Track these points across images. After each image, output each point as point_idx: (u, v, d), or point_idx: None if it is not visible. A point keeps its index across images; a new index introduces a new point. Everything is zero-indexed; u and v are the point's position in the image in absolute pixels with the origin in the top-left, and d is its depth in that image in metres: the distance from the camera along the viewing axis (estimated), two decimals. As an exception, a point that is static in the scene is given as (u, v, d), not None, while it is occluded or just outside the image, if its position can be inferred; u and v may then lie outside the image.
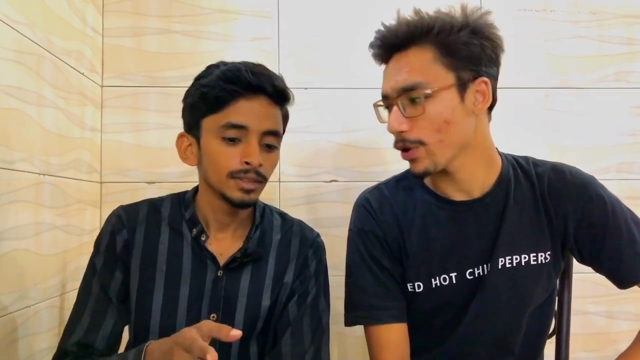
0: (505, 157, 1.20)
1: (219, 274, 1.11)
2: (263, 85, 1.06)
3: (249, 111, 1.06)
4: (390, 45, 1.10)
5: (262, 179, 1.09)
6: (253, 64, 1.10)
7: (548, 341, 1.40)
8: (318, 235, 1.23)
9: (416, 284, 1.17)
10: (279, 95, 1.10)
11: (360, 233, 1.20)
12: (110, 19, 1.73)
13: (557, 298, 1.40)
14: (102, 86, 1.72)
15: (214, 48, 1.74)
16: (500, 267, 1.13)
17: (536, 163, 1.19)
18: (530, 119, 1.81)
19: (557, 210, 1.14)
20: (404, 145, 1.08)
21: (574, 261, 1.31)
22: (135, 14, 1.74)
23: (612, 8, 1.85)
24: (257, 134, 1.07)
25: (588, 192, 1.13)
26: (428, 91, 1.05)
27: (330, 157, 1.76)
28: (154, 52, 1.73)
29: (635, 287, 1.14)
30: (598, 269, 1.16)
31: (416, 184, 1.22)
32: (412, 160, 1.10)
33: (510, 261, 1.13)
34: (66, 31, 1.49)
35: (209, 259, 1.11)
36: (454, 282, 1.15)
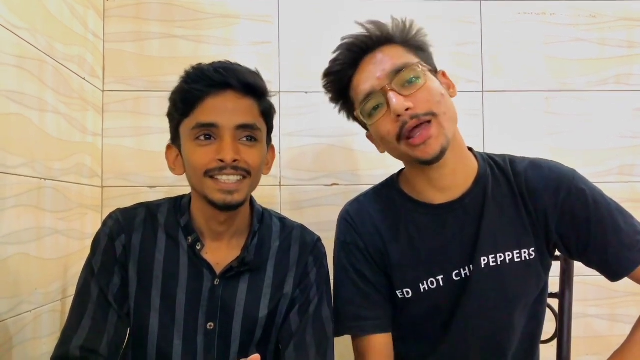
0: (481, 157, 1.20)
1: (215, 282, 1.10)
2: (227, 81, 1.05)
3: (217, 108, 1.05)
4: (361, 49, 1.12)
5: (244, 173, 1.06)
6: (220, 62, 1.09)
7: (549, 345, 1.40)
8: (319, 239, 1.22)
9: (405, 290, 1.17)
10: (247, 87, 1.07)
11: (342, 246, 1.21)
12: (111, 24, 1.74)
13: (558, 301, 1.41)
14: (103, 91, 1.72)
15: (215, 52, 1.75)
16: (483, 266, 1.13)
17: (514, 160, 1.19)
18: (531, 123, 1.81)
19: (536, 206, 1.14)
20: (418, 120, 1.05)
21: (576, 264, 1.31)
22: (137, 19, 1.74)
23: (612, 11, 1.85)
24: (230, 130, 1.05)
25: (567, 186, 1.12)
26: (418, 68, 1.08)
27: (331, 161, 1.76)
28: (155, 57, 1.74)
29: (637, 290, 1.13)
30: (588, 263, 1.16)
31: (394, 192, 1.23)
32: (426, 142, 1.06)
33: (494, 260, 1.13)
34: (67, 36, 1.50)
35: (205, 267, 1.11)
36: (441, 284, 1.15)
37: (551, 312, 1.40)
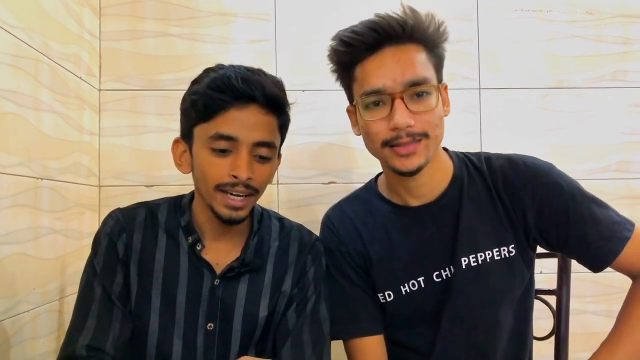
0: (456, 156, 1.21)
1: (215, 282, 1.10)
2: (254, 94, 1.02)
3: (239, 121, 1.02)
4: (387, 34, 1.06)
5: (252, 192, 1.06)
6: (247, 69, 1.07)
7: (547, 342, 1.40)
8: (317, 239, 1.22)
9: (386, 293, 1.19)
10: (272, 103, 1.05)
11: (326, 251, 1.22)
12: (107, 22, 1.73)
13: (555, 298, 1.41)
14: (99, 90, 1.72)
15: (212, 51, 1.74)
16: (464, 267, 1.13)
17: (489, 158, 1.20)
18: (528, 119, 1.81)
19: (513, 202, 1.14)
20: (412, 139, 1.06)
21: (573, 261, 1.31)
22: (133, 17, 1.74)
23: (608, 8, 1.85)
24: (248, 146, 1.03)
25: (544, 180, 1.13)
26: (434, 89, 1.07)
27: (329, 159, 1.76)
28: (151, 55, 1.73)
29: (628, 285, 1.14)
30: (569, 255, 1.17)
31: (373, 196, 1.24)
32: (408, 155, 1.07)
33: (474, 259, 1.13)
34: (63, 35, 1.49)
35: (206, 267, 1.10)
36: (423, 286, 1.16)
37: (548, 309, 1.41)
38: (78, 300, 1.09)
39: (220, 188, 1.04)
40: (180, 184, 1.69)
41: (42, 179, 1.36)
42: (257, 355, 1.12)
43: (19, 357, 1.27)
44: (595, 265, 1.13)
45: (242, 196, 1.05)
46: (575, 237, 1.11)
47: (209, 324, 1.09)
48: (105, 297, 1.07)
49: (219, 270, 1.11)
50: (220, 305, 1.09)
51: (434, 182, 1.17)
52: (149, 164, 1.72)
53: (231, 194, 1.04)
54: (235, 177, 1.03)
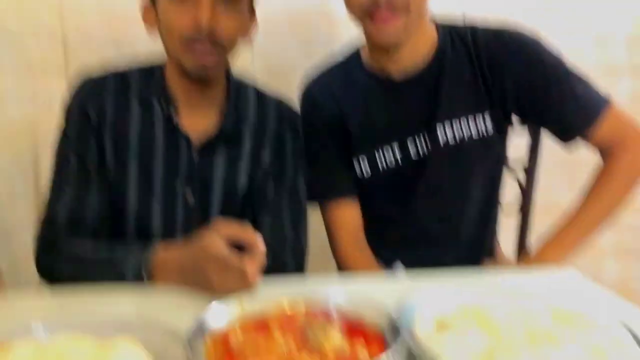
0: (442, 27, 1.20)
1: (192, 154, 1.09)
2: None
3: None
4: None
5: (220, 50, 1.01)
6: None
7: (511, 211, 1.46)
8: (297, 112, 1.21)
9: (361, 162, 1.21)
10: None
11: (304, 117, 1.22)
12: None
13: (524, 171, 1.45)
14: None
15: None
16: (442, 145, 1.16)
17: (476, 30, 1.18)
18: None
19: (493, 73, 1.15)
20: (392, 8, 1.04)
21: (544, 136, 1.33)
22: None
23: None
24: None
25: (526, 50, 1.14)
26: None
27: (306, 25, 1.67)
28: None
29: (598, 160, 1.18)
30: (542, 125, 1.20)
31: (355, 67, 1.23)
32: (385, 28, 1.06)
33: (453, 138, 1.15)
34: None
35: (182, 138, 1.09)
36: (400, 161, 1.19)
37: (516, 182, 1.45)
38: (54, 171, 1.08)
39: (187, 43, 0.99)
40: (151, 44, 1.61)
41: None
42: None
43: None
44: (567, 135, 1.16)
45: (209, 52, 1.00)
46: (551, 109, 1.14)
47: (187, 197, 1.10)
48: (80, 165, 1.06)
49: (195, 141, 1.09)
50: (199, 180, 1.09)
51: (416, 52, 1.16)
52: (116, 24, 1.61)
53: (197, 48, 0.99)
54: (197, 26, 0.96)
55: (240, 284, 0.84)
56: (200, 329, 0.69)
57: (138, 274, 0.91)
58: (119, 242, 1.04)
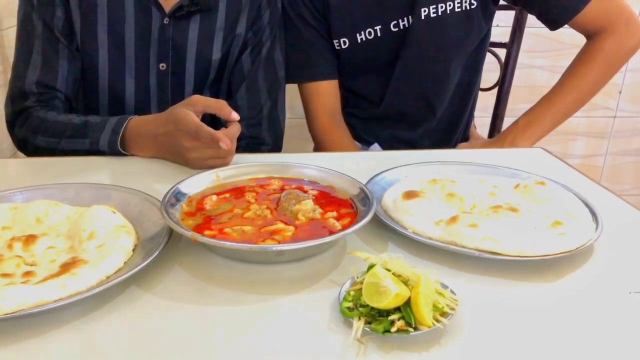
0: None
1: (165, 21, 1.05)
2: None
3: None
4: None
5: None
6: None
7: (490, 93, 1.47)
8: None
9: (342, 39, 1.18)
10: None
11: None
12: None
13: (505, 51, 1.44)
14: None
15: None
16: (423, 17, 1.12)
17: None
18: None
19: None
20: None
21: (529, 16, 1.31)
22: None
23: None
24: None
25: None
26: None
27: None
28: None
29: (582, 42, 1.17)
30: (530, 9, 1.17)
31: None
32: None
33: (434, 10, 1.12)
34: None
35: (153, 4, 1.04)
36: (379, 35, 1.16)
37: (497, 62, 1.45)
38: (19, 35, 1.04)
39: None
40: None
41: None
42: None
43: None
44: (555, 21, 1.13)
45: None
46: None
47: (161, 64, 1.07)
48: (47, 32, 1.02)
49: (167, 8, 1.05)
50: (171, 45, 1.06)
51: None
52: None
53: None
54: None
55: (214, 158, 0.85)
56: (176, 194, 0.71)
57: (113, 145, 0.91)
58: (92, 113, 1.03)
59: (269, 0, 1.12)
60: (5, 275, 0.57)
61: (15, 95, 1.03)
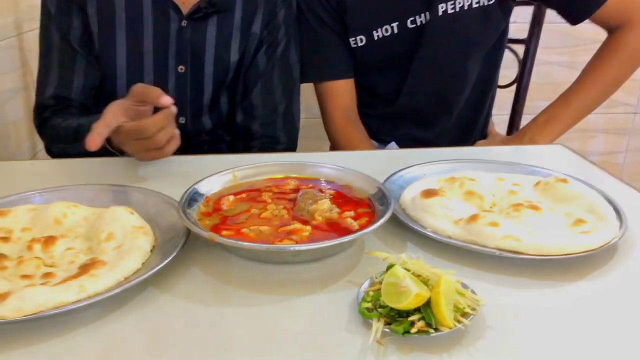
0: None
1: (182, 24, 1.05)
2: None
3: None
4: None
5: None
6: None
7: (509, 90, 1.46)
8: None
9: (358, 37, 1.17)
10: None
11: None
12: None
13: (524, 47, 1.42)
14: None
15: None
16: (441, 13, 1.11)
17: None
18: None
19: None
20: None
21: (547, 11, 1.29)
22: None
23: None
24: None
25: None
26: None
27: None
28: None
29: (601, 37, 1.14)
30: (549, 4, 1.16)
31: None
32: None
33: (452, 6, 1.10)
34: None
35: (171, 7, 1.04)
36: (396, 32, 1.14)
37: (515, 58, 1.43)
38: (40, 49, 1.07)
39: None
40: None
41: None
42: (228, 99, 1.14)
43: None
44: (576, 15, 1.11)
45: None
46: None
47: (179, 67, 1.07)
48: (64, 44, 1.04)
49: (185, 10, 1.05)
50: (190, 48, 1.06)
51: None
52: None
53: None
54: None
55: (148, 150, 0.82)
56: (193, 195, 0.71)
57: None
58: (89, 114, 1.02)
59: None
60: (26, 276, 0.57)
61: (37, 108, 1.07)
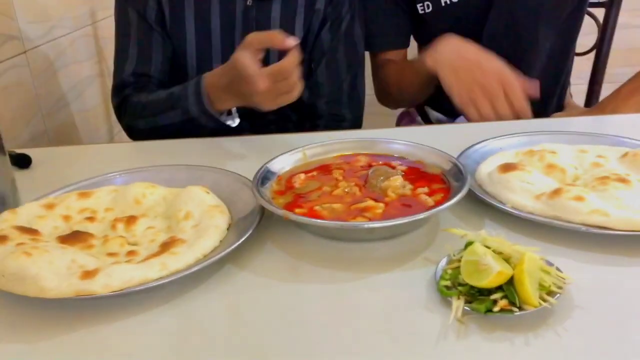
0: None
1: (248, 3, 1.06)
2: None
3: None
4: None
5: None
6: None
7: (585, 57, 1.37)
8: None
9: (425, 3, 1.14)
10: None
11: None
12: None
13: (604, 11, 1.33)
14: None
15: None
16: None
17: None
18: None
19: None
20: None
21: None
22: None
23: None
24: None
25: None
26: None
27: None
28: None
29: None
30: None
31: None
32: None
33: None
34: None
35: None
36: None
37: (594, 24, 1.34)
38: (117, 30, 1.09)
39: None
40: None
41: None
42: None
43: (67, 80, 1.33)
44: None
45: None
46: None
47: None
48: (141, 22, 1.06)
49: (250, -11, 1.05)
50: (255, 27, 1.07)
51: None
52: None
53: None
54: None
55: (279, 95, 0.84)
56: (266, 174, 0.71)
57: (202, 107, 0.91)
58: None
59: None
60: (111, 254, 0.60)
61: (117, 87, 1.09)
